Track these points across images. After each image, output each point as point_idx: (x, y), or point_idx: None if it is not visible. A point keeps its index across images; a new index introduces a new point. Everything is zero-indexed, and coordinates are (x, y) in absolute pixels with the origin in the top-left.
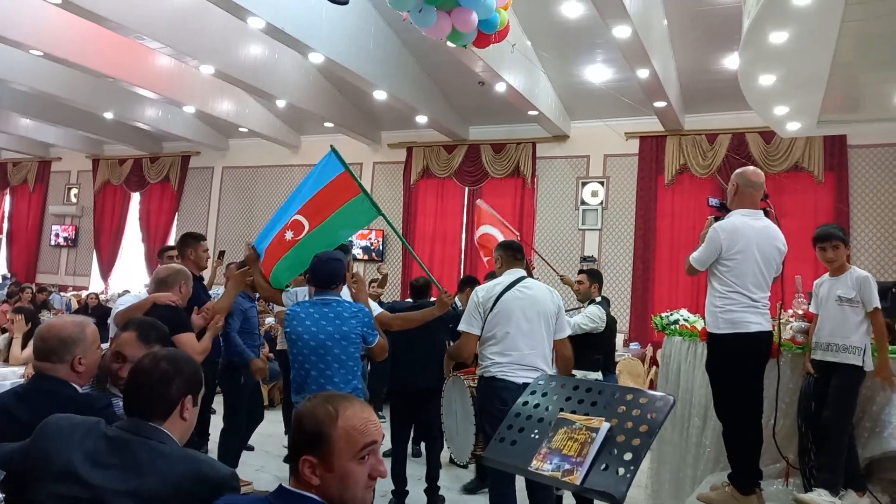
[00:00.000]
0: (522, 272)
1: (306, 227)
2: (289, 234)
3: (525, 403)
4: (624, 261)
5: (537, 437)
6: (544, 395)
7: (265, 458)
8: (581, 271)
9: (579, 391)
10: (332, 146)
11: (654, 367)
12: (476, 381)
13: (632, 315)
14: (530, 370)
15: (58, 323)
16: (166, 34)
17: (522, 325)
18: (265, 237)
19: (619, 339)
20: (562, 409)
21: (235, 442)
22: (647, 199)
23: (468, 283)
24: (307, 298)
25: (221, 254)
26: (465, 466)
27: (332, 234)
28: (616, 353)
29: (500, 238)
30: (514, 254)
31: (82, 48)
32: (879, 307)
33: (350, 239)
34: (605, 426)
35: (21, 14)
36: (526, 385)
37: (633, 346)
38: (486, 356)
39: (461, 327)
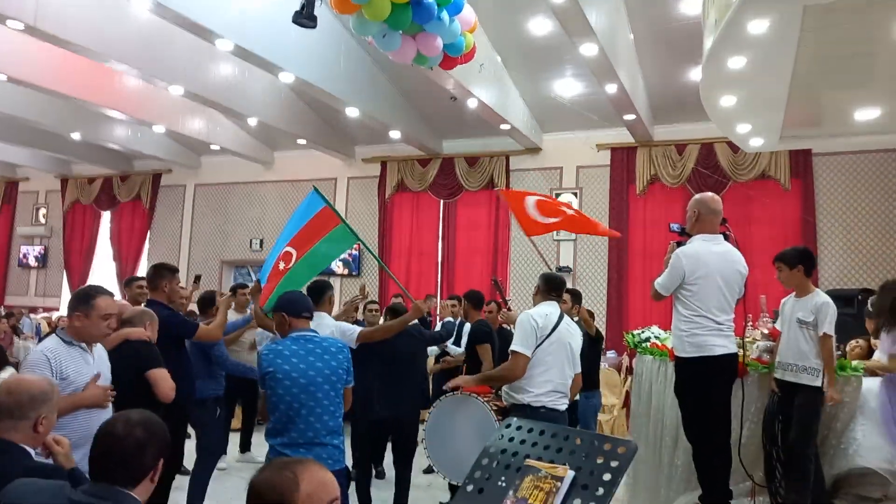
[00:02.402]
0: (558, 306)
1: (294, 256)
2: (281, 265)
3: (493, 448)
4: (599, 270)
5: (504, 485)
6: (511, 439)
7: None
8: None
9: (545, 436)
10: (314, 186)
11: (630, 377)
12: (488, 401)
13: (608, 324)
14: (566, 397)
15: (26, 379)
16: (133, 57)
17: (569, 355)
18: (265, 271)
19: None
20: (528, 456)
21: (213, 466)
22: (620, 209)
23: (471, 298)
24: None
25: (197, 278)
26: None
27: (316, 259)
28: None
29: (534, 211)
30: (557, 290)
31: (48, 71)
32: (830, 334)
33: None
34: (570, 475)
35: None
36: (565, 412)
37: (610, 354)
38: (539, 384)
39: (517, 348)
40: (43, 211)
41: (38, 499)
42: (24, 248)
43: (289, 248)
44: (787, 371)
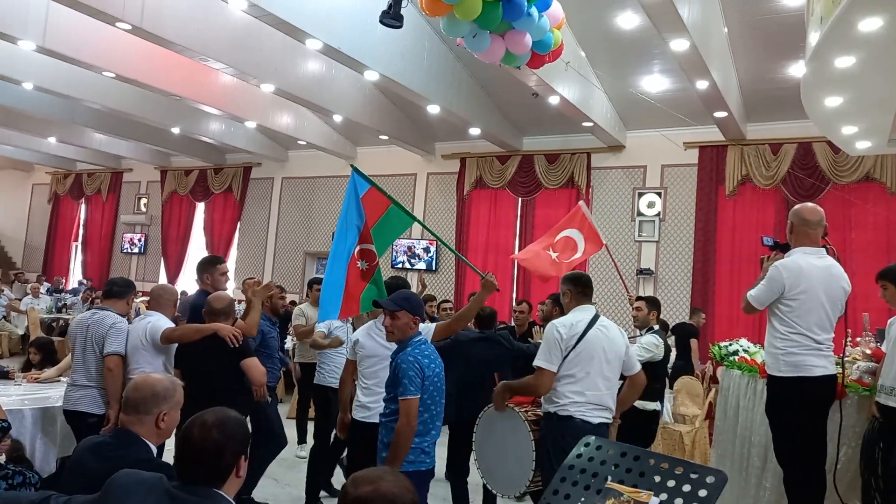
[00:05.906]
0: (594, 309)
1: (375, 252)
2: (361, 264)
3: (571, 467)
4: (683, 274)
5: None
6: (590, 459)
7: (282, 469)
8: (639, 298)
9: (627, 458)
10: (352, 165)
11: (714, 387)
12: (526, 411)
13: None
14: (605, 410)
15: (152, 377)
16: (228, 55)
17: (603, 365)
18: (339, 275)
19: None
20: (608, 478)
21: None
22: (707, 210)
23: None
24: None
25: (311, 282)
26: (520, 499)
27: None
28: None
29: (581, 245)
30: (584, 289)
31: (150, 69)
32: None
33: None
34: (655, 501)
35: (94, 39)
36: (601, 426)
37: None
38: (564, 394)
39: (539, 363)
40: (144, 200)
41: (138, 488)
42: (126, 235)
43: (364, 246)
44: (891, 396)
